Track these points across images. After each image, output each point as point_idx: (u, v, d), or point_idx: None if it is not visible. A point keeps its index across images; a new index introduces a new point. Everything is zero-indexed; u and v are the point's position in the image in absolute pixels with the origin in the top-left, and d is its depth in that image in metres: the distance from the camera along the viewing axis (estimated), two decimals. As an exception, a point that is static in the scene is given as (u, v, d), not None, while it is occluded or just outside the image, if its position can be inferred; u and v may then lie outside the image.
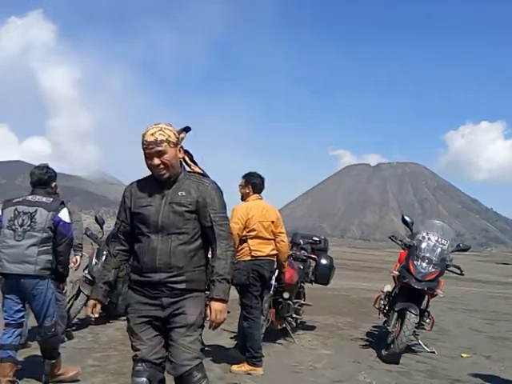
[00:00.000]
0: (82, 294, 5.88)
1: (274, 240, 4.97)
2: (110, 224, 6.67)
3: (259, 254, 4.83)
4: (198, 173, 2.72)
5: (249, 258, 4.79)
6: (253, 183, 5.01)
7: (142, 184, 2.69)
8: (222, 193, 2.67)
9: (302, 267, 6.51)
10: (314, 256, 6.71)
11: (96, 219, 6.53)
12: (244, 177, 5.04)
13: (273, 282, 5.29)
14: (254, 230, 4.83)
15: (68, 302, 5.75)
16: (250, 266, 4.77)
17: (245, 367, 4.70)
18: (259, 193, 5.06)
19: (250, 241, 4.81)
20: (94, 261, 6.12)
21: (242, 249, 4.80)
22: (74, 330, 5.76)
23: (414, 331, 5.73)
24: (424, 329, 6.03)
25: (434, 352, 5.95)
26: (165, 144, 2.52)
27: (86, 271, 6.09)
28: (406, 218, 6.26)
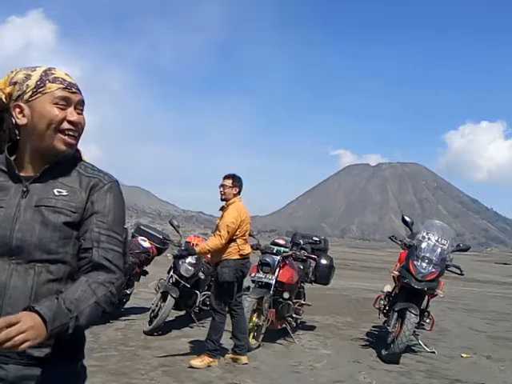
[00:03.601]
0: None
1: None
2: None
3: (245, 252, 5.04)
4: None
5: (237, 256, 4.96)
6: (239, 185, 5.13)
7: None
8: (123, 202, 1.54)
9: (302, 267, 6.52)
10: (314, 256, 6.73)
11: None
12: (229, 177, 5.10)
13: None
14: (243, 229, 5.02)
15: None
16: (237, 266, 4.95)
17: (206, 360, 4.83)
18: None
19: (238, 240, 4.98)
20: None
21: (230, 247, 4.95)
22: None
23: (414, 331, 5.73)
24: (424, 329, 6.03)
25: (434, 352, 5.95)
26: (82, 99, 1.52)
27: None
28: (406, 218, 6.27)
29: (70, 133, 1.46)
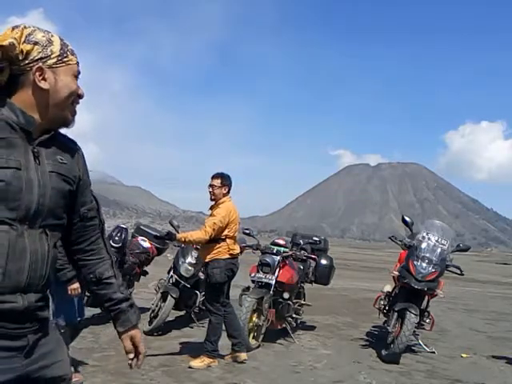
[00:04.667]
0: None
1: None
2: (109, 224, 6.64)
3: (235, 252, 5.03)
4: None
5: (227, 256, 4.94)
6: (228, 184, 5.08)
7: None
8: None
9: (301, 267, 6.52)
10: (314, 256, 6.73)
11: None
12: (218, 177, 5.05)
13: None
14: (232, 229, 5.00)
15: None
16: (228, 265, 4.94)
17: (206, 361, 4.84)
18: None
19: (228, 240, 4.96)
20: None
21: (219, 247, 4.93)
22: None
23: (414, 331, 5.73)
24: (424, 329, 6.04)
25: (434, 352, 5.96)
26: None
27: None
28: (406, 219, 6.27)
29: (74, 105, 1.51)
